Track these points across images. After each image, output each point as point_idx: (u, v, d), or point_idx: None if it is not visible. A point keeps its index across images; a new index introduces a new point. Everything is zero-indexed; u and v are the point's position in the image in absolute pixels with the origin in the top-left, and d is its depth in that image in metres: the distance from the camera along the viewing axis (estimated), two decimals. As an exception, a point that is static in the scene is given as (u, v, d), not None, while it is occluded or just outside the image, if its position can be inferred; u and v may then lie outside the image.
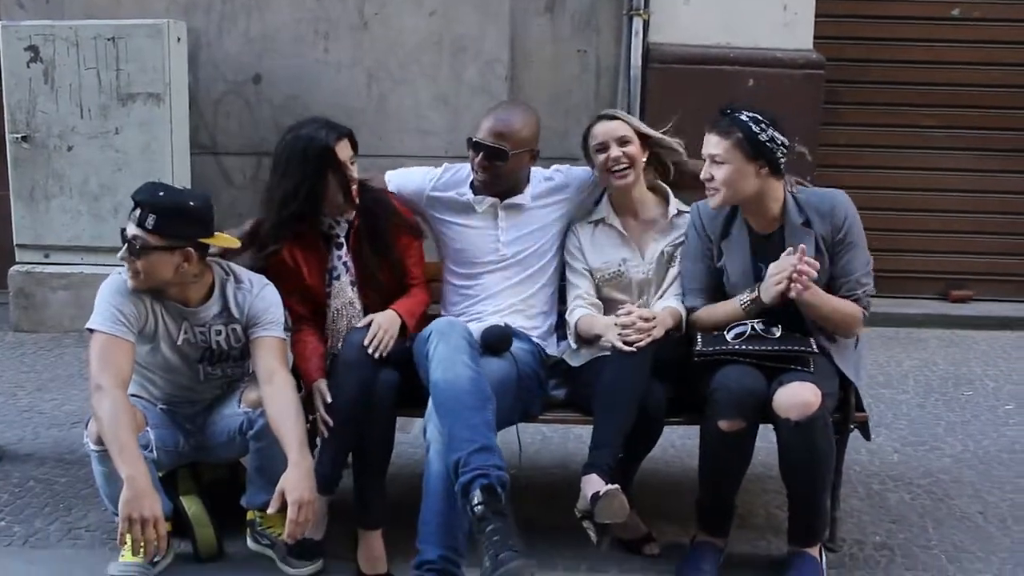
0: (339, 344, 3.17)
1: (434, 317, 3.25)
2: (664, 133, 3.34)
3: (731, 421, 2.91)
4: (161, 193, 2.96)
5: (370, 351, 3.02)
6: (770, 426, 2.95)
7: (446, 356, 2.87)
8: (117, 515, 2.78)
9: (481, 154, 3.24)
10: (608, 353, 3.05)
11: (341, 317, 3.24)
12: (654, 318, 3.04)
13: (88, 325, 2.96)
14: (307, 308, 3.28)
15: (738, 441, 2.95)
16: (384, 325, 3.09)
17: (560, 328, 3.39)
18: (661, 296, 3.28)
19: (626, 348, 2.97)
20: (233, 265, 3.16)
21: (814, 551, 3.06)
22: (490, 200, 3.34)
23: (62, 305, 5.62)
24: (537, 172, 3.41)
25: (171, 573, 3.07)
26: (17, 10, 5.95)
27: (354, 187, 3.16)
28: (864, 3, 6.26)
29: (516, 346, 3.14)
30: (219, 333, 3.11)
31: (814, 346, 3.00)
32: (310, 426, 3.04)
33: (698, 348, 3.04)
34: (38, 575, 3.06)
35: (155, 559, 2.98)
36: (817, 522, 3.07)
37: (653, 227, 3.34)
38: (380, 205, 3.27)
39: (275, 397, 2.93)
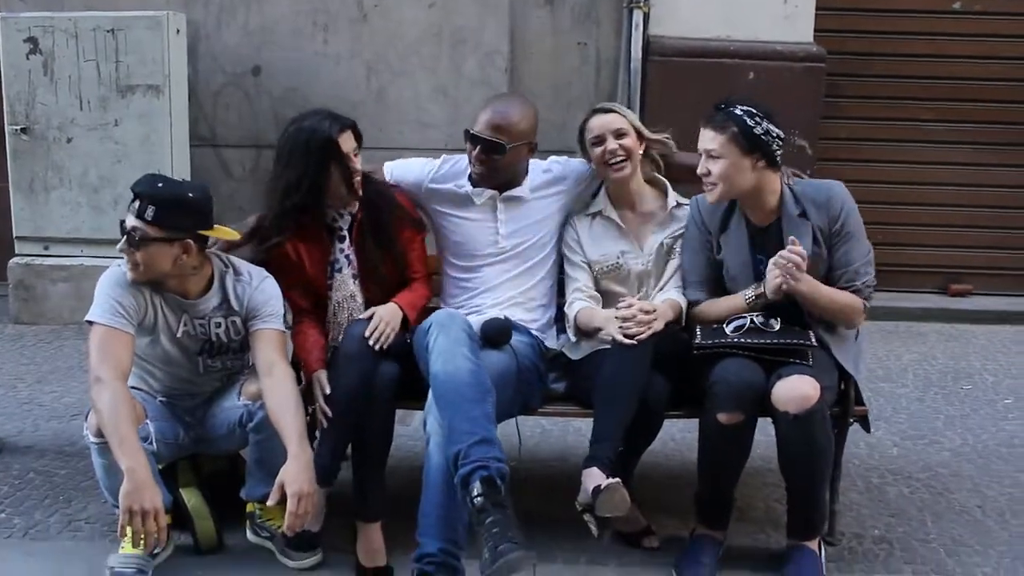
0: (340, 337, 3.17)
1: (434, 310, 3.25)
2: (657, 132, 3.35)
3: (730, 414, 2.91)
4: (160, 185, 2.96)
5: (371, 343, 3.02)
6: (769, 420, 2.95)
7: (446, 348, 2.87)
8: (117, 507, 2.79)
9: (478, 147, 3.24)
10: (608, 346, 3.05)
11: (342, 310, 3.24)
12: (654, 310, 3.05)
13: (88, 317, 2.96)
14: (309, 301, 3.28)
15: (737, 434, 2.95)
16: (386, 318, 3.09)
17: (560, 321, 3.39)
18: (662, 288, 3.28)
19: (627, 341, 2.97)
20: (233, 257, 3.16)
21: (813, 544, 3.07)
22: (489, 192, 3.33)
23: (62, 297, 5.61)
24: (535, 164, 3.40)
25: (171, 565, 3.07)
26: (16, 2, 5.93)
27: (357, 179, 3.16)
28: (865, -4, 6.26)
29: (516, 339, 3.14)
30: (219, 325, 3.11)
31: (813, 339, 3.01)
32: (309, 418, 3.04)
33: (697, 341, 3.04)
34: (38, 567, 3.06)
35: (155, 551, 2.99)
36: (816, 515, 3.07)
37: (651, 219, 3.34)
38: (383, 198, 3.27)
39: (275, 389, 2.93)
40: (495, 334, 3.09)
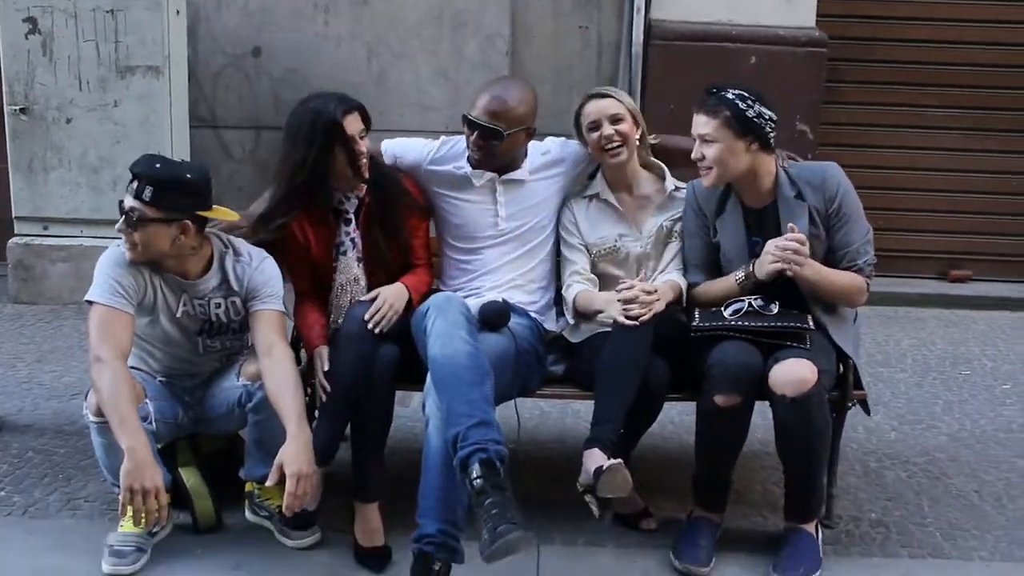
0: (340, 319, 3.17)
1: (433, 292, 3.25)
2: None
3: (727, 396, 2.92)
4: (158, 165, 2.96)
5: (370, 326, 3.02)
6: (767, 403, 2.96)
7: (444, 331, 2.87)
8: (116, 486, 2.80)
9: (476, 133, 3.23)
10: (608, 329, 3.05)
11: (345, 292, 3.24)
12: (656, 291, 3.05)
13: (87, 297, 2.97)
14: (313, 283, 3.28)
15: (734, 416, 2.96)
16: (390, 300, 3.09)
17: (559, 303, 3.39)
18: (663, 271, 3.29)
19: (629, 323, 2.96)
20: (233, 238, 3.16)
21: (810, 527, 3.08)
22: (488, 175, 3.32)
23: (61, 277, 5.60)
24: (534, 146, 3.39)
25: (170, 544, 3.08)
26: (15, -19, 5.90)
27: (363, 161, 3.15)
28: (868, -19, 6.24)
29: (514, 321, 3.14)
30: (219, 306, 3.12)
31: (811, 323, 3.02)
32: (308, 399, 3.05)
33: (695, 324, 3.06)
34: (37, 545, 3.07)
35: (154, 529, 3.00)
36: (813, 499, 3.08)
37: (649, 203, 3.35)
38: (391, 183, 3.26)
39: (274, 370, 2.93)
40: (493, 317, 3.09)
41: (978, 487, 3.64)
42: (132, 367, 3.02)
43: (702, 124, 3.04)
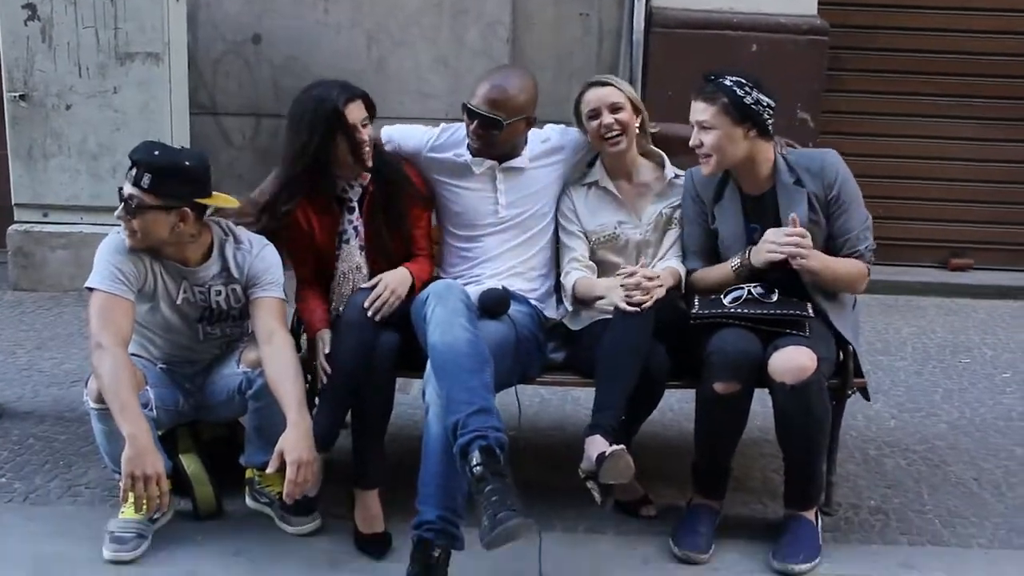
0: (342, 307, 3.16)
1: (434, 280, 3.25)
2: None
3: (726, 383, 2.93)
4: (157, 152, 2.95)
5: (369, 313, 3.02)
6: (767, 391, 2.96)
7: (444, 319, 2.87)
8: (117, 472, 2.80)
9: (476, 122, 3.22)
10: (608, 316, 3.05)
11: (347, 280, 3.24)
12: (657, 277, 3.05)
13: (88, 284, 2.97)
14: (315, 271, 3.28)
15: (733, 403, 2.97)
16: (392, 285, 3.08)
17: (559, 291, 3.39)
18: (662, 258, 3.29)
19: (631, 309, 2.96)
20: (233, 225, 3.16)
21: (810, 515, 3.09)
22: (488, 162, 3.32)
23: (61, 264, 5.60)
24: (533, 133, 3.38)
25: (170, 530, 3.09)
26: (14, -33, 5.89)
27: (366, 150, 3.13)
28: (869, -31, 6.21)
29: (514, 309, 3.14)
30: (219, 293, 3.12)
31: (811, 311, 3.02)
32: (309, 386, 3.05)
33: (695, 311, 3.06)
34: (39, 531, 3.08)
35: (155, 516, 3.01)
36: (812, 486, 3.09)
37: (648, 190, 3.35)
38: (395, 172, 3.25)
39: (274, 357, 2.93)
40: (493, 304, 3.09)
41: (977, 475, 3.65)
42: (132, 354, 3.02)
43: (700, 111, 3.04)
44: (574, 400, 4.14)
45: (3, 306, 5.39)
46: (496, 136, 3.22)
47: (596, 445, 2.85)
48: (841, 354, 3.11)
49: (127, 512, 2.98)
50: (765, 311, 3.00)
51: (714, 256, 3.22)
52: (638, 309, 2.96)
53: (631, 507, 3.26)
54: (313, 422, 2.88)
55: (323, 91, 3.11)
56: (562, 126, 3.47)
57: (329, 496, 3.16)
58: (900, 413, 4.23)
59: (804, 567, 2.97)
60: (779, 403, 2.94)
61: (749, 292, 3.04)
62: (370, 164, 3.17)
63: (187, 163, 2.97)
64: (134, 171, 2.91)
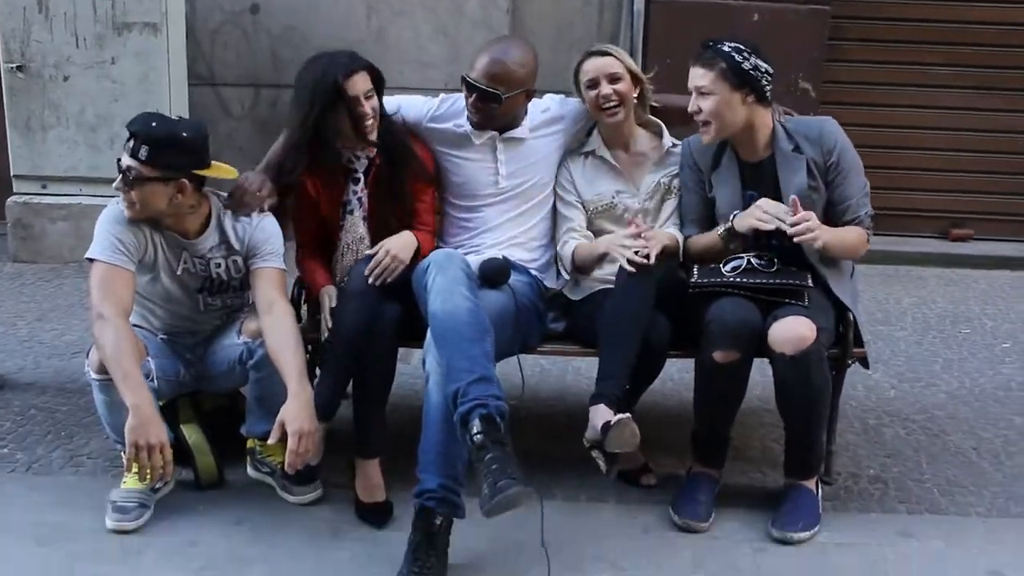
0: (345, 278, 3.16)
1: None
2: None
3: (725, 352, 2.93)
4: (154, 124, 2.94)
5: (370, 280, 3.02)
6: (767, 360, 2.97)
7: (444, 288, 2.87)
8: (118, 443, 2.81)
9: (475, 95, 3.20)
10: (609, 285, 3.05)
11: (350, 251, 3.23)
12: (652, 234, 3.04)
13: (88, 255, 2.96)
14: (318, 242, 3.27)
15: (733, 372, 2.97)
16: (394, 250, 3.07)
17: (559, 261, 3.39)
18: (661, 227, 3.28)
19: (640, 259, 2.93)
20: (232, 196, 3.15)
21: (810, 483, 3.10)
22: (488, 133, 3.30)
23: (61, 235, 5.60)
24: (533, 104, 3.36)
25: (172, 499, 3.10)
26: (10, -64, 5.84)
27: (368, 123, 3.11)
28: (872, -63, 6.16)
29: (515, 278, 3.13)
30: (219, 264, 3.11)
31: (810, 281, 3.02)
32: (309, 356, 3.05)
33: (694, 280, 3.06)
34: (41, 501, 3.09)
35: (157, 486, 3.02)
36: (812, 455, 3.10)
37: (646, 160, 3.34)
38: (400, 146, 3.23)
39: (274, 327, 2.94)
40: (493, 274, 3.09)
41: (976, 444, 3.66)
42: (134, 325, 3.02)
43: (699, 76, 3.03)
44: (575, 370, 4.15)
45: (3, 278, 5.40)
46: (495, 109, 3.21)
47: (600, 414, 2.86)
48: (841, 325, 3.11)
49: (129, 482, 3.00)
50: (764, 280, 3.00)
51: (711, 224, 3.21)
52: (645, 261, 2.94)
53: (632, 476, 3.28)
54: (314, 392, 2.89)
55: (326, 62, 3.09)
56: (562, 96, 3.45)
57: (330, 465, 3.17)
58: (900, 383, 4.24)
59: (803, 535, 2.99)
60: (779, 373, 2.94)
61: (749, 261, 3.04)
62: (374, 137, 3.15)
63: (184, 134, 2.95)
64: (132, 142, 2.90)
